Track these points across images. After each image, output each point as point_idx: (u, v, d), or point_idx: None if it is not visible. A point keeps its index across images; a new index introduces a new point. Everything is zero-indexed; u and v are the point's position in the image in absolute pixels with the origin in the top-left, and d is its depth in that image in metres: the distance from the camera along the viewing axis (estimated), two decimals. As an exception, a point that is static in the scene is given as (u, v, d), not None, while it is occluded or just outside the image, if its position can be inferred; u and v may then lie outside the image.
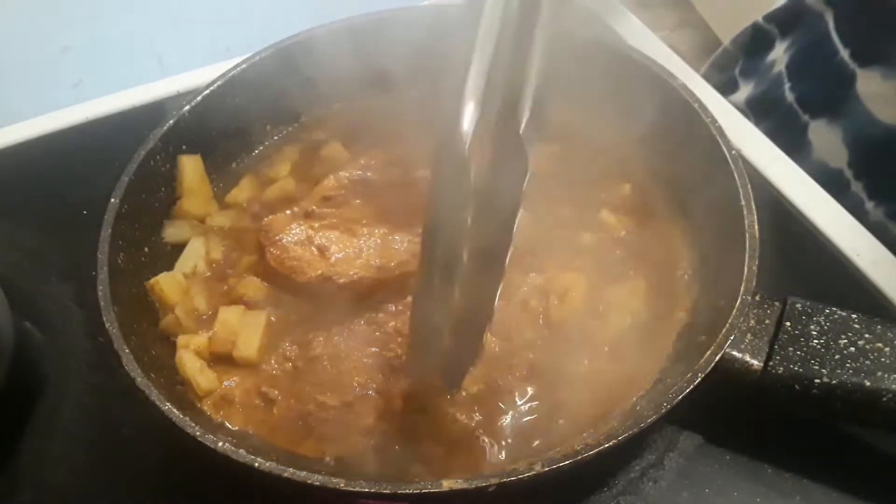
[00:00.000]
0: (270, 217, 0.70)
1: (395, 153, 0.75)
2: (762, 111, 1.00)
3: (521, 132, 0.50)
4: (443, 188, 0.52)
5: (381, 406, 0.62)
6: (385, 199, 0.72)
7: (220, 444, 0.54)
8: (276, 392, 0.63)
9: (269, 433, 0.62)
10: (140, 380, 0.57)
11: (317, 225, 0.69)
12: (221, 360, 0.66)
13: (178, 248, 0.73)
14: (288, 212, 0.71)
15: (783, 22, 1.00)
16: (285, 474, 0.52)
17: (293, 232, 0.68)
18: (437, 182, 0.53)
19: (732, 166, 0.66)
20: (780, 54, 1.00)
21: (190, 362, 0.64)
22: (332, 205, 0.72)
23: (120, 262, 0.66)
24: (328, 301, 0.66)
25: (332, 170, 0.74)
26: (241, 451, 0.53)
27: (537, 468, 0.51)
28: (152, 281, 0.69)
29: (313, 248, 0.67)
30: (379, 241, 0.68)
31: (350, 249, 0.67)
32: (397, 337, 0.64)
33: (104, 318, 0.60)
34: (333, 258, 0.67)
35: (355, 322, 0.65)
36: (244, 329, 0.66)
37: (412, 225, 0.69)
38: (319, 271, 0.66)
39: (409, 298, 0.64)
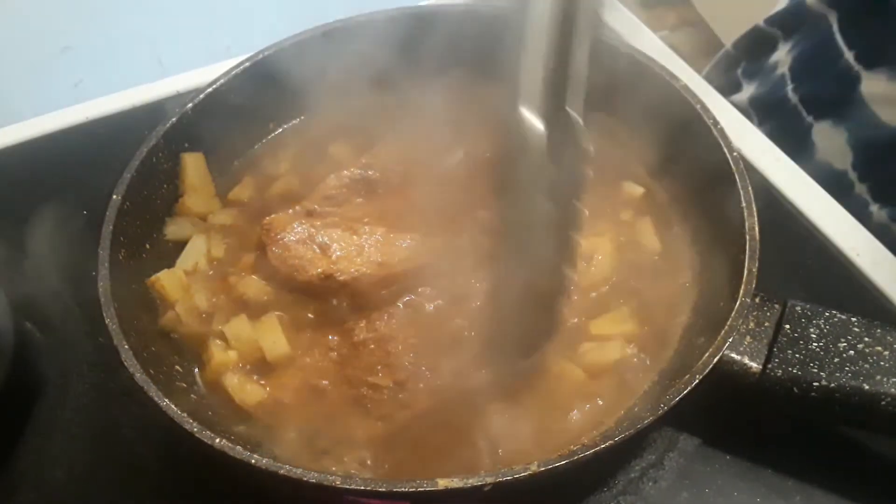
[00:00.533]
0: (272, 216, 0.71)
1: (396, 152, 0.75)
2: (765, 112, 1.00)
3: (567, 107, 0.55)
4: (519, 171, 0.58)
5: (433, 382, 0.63)
6: (387, 198, 0.73)
7: (217, 440, 0.54)
8: (326, 382, 0.64)
9: (324, 423, 0.63)
10: (139, 376, 0.57)
11: (318, 223, 0.70)
12: (261, 368, 0.66)
13: (179, 245, 0.73)
14: (290, 210, 0.71)
15: (785, 24, 1.00)
16: (281, 471, 0.52)
17: (295, 231, 0.68)
18: (513, 166, 0.58)
19: (734, 168, 0.66)
20: (783, 56, 1.00)
21: (230, 382, 0.64)
22: (334, 203, 0.72)
23: (121, 258, 0.66)
24: (329, 297, 0.67)
25: (334, 168, 0.74)
26: (237, 447, 0.53)
27: (533, 468, 0.51)
28: (153, 278, 0.69)
29: (315, 247, 0.68)
30: (381, 238, 0.69)
31: (352, 247, 0.68)
32: (438, 318, 0.65)
33: (104, 314, 0.60)
34: (335, 256, 0.67)
35: (394, 307, 0.66)
36: (262, 334, 0.66)
37: (414, 222, 0.69)
38: (320, 269, 0.66)
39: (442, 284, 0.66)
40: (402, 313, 0.66)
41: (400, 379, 0.63)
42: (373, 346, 0.64)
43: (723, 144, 0.67)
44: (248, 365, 0.66)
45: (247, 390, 0.64)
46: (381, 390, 0.62)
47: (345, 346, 0.65)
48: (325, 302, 0.67)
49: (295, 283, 0.67)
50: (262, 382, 0.65)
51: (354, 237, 0.69)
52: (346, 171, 0.73)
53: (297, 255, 0.67)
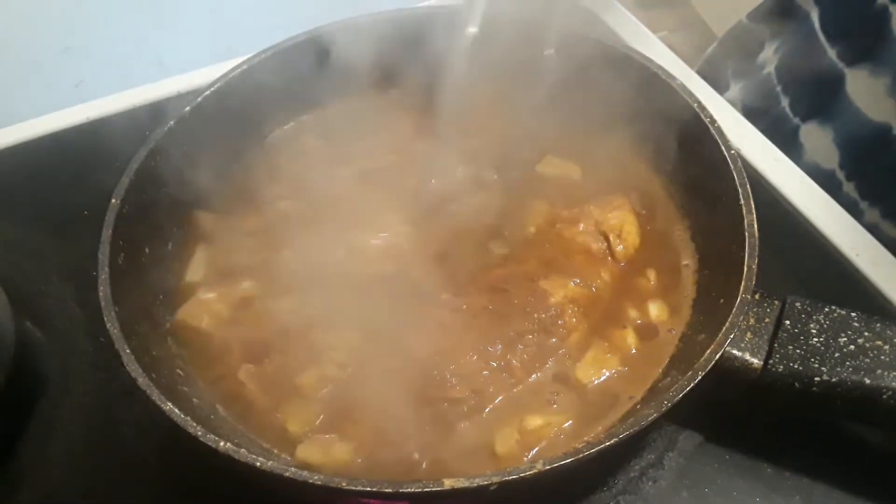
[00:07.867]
0: None
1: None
2: (753, 113, 1.00)
3: None
4: None
5: (507, 380, 0.62)
6: None
7: (222, 443, 0.54)
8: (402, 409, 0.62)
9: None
10: (142, 380, 0.57)
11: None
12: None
13: (179, 248, 0.73)
14: None
15: (770, 21, 1.00)
16: (287, 474, 0.52)
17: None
18: None
19: (732, 166, 0.66)
20: (769, 55, 1.00)
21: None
22: None
23: (121, 262, 0.66)
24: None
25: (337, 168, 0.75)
26: (242, 450, 0.53)
27: (539, 466, 0.51)
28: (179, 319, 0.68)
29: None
30: None
31: None
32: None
33: (105, 319, 0.60)
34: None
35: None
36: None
37: None
38: None
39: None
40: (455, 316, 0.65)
41: (476, 387, 0.62)
42: (437, 359, 0.63)
43: (721, 143, 0.67)
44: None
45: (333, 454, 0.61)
46: (461, 403, 0.61)
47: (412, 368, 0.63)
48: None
49: None
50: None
51: None
52: None
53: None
